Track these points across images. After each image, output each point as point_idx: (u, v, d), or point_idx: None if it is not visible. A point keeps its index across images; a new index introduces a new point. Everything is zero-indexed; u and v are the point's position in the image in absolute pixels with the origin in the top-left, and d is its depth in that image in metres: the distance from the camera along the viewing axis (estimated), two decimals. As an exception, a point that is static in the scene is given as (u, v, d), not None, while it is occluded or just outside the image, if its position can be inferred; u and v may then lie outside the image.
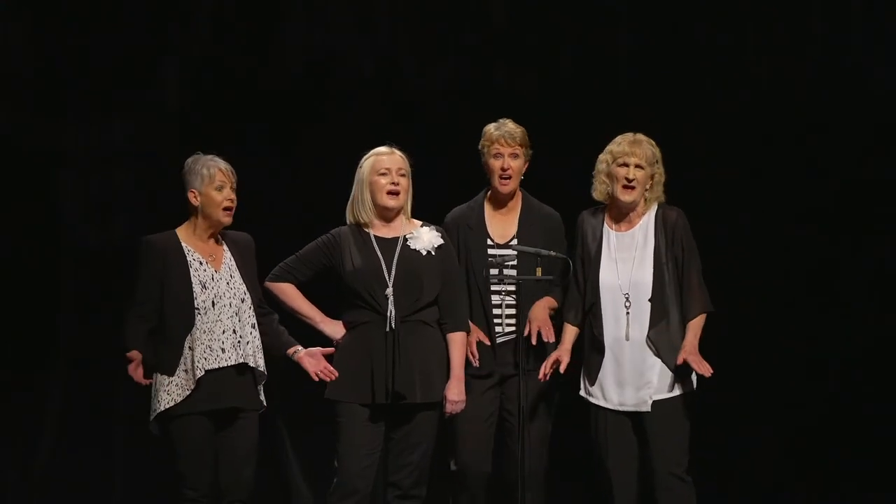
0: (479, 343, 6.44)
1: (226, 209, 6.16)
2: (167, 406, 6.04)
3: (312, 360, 6.27)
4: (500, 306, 6.53)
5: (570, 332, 6.45)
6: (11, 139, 7.83)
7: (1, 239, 7.75)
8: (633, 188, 6.39)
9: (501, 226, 6.62)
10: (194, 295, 6.09)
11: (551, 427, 6.58)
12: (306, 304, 6.37)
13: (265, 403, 6.23)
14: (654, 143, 6.44)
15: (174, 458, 6.08)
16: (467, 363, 6.36)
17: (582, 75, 7.90)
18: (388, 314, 6.22)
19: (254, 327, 6.19)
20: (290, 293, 6.37)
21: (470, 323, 6.41)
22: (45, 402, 7.84)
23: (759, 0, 7.87)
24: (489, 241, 6.58)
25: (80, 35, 7.84)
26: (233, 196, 6.18)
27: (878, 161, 7.74)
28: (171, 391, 6.05)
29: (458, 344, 6.32)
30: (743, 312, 7.56)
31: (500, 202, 6.64)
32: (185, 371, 6.06)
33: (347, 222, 6.39)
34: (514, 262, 6.48)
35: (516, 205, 6.63)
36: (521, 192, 6.65)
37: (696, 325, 6.35)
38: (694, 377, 6.36)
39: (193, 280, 6.11)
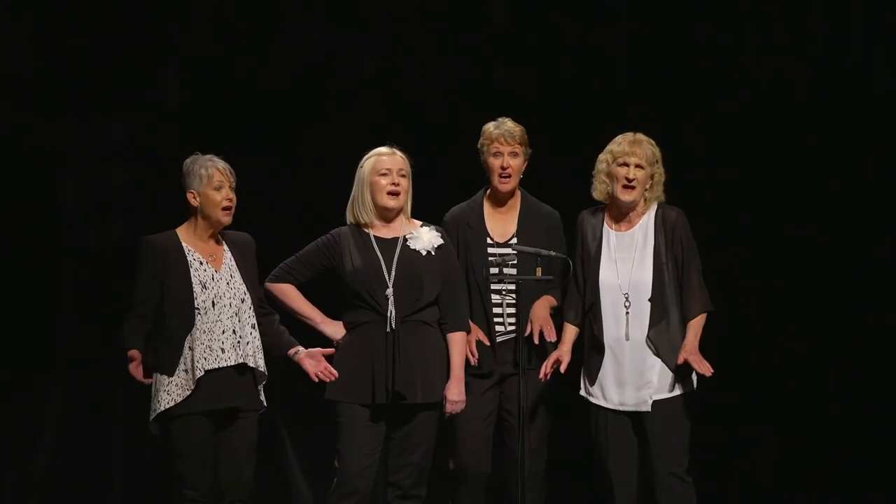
0: (479, 343, 6.44)
1: (225, 209, 6.16)
2: (167, 406, 6.03)
3: (312, 361, 6.26)
4: (500, 305, 6.52)
5: (570, 331, 6.45)
6: (11, 139, 7.83)
7: (1, 239, 7.74)
8: (633, 188, 6.39)
9: (501, 224, 6.61)
10: (194, 295, 6.08)
11: (551, 426, 6.58)
12: (306, 304, 6.37)
13: (265, 403, 6.23)
14: (654, 142, 6.43)
15: (174, 458, 6.07)
16: (467, 363, 6.36)
17: (582, 75, 7.90)
18: (389, 314, 6.22)
19: (254, 327, 6.18)
20: (290, 294, 6.36)
21: (470, 323, 6.41)
22: (45, 402, 7.84)
23: (759, 0, 7.87)
24: (489, 240, 6.58)
25: (80, 35, 7.83)
26: (232, 195, 6.17)
27: (878, 161, 7.73)
28: (170, 391, 6.04)
29: (458, 344, 6.32)
30: (743, 312, 7.55)
31: (499, 201, 6.64)
32: (185, 371, 6.05)
33: (347, 222, 6.38)
34: (514, 262, 6.47)
35: (515, 203, 6.63)
36: (521, 190, 6.64)
37: (696, 325, 6.35)
38: (694, 377, 6.36)
39: (193, 280, 6.11)
